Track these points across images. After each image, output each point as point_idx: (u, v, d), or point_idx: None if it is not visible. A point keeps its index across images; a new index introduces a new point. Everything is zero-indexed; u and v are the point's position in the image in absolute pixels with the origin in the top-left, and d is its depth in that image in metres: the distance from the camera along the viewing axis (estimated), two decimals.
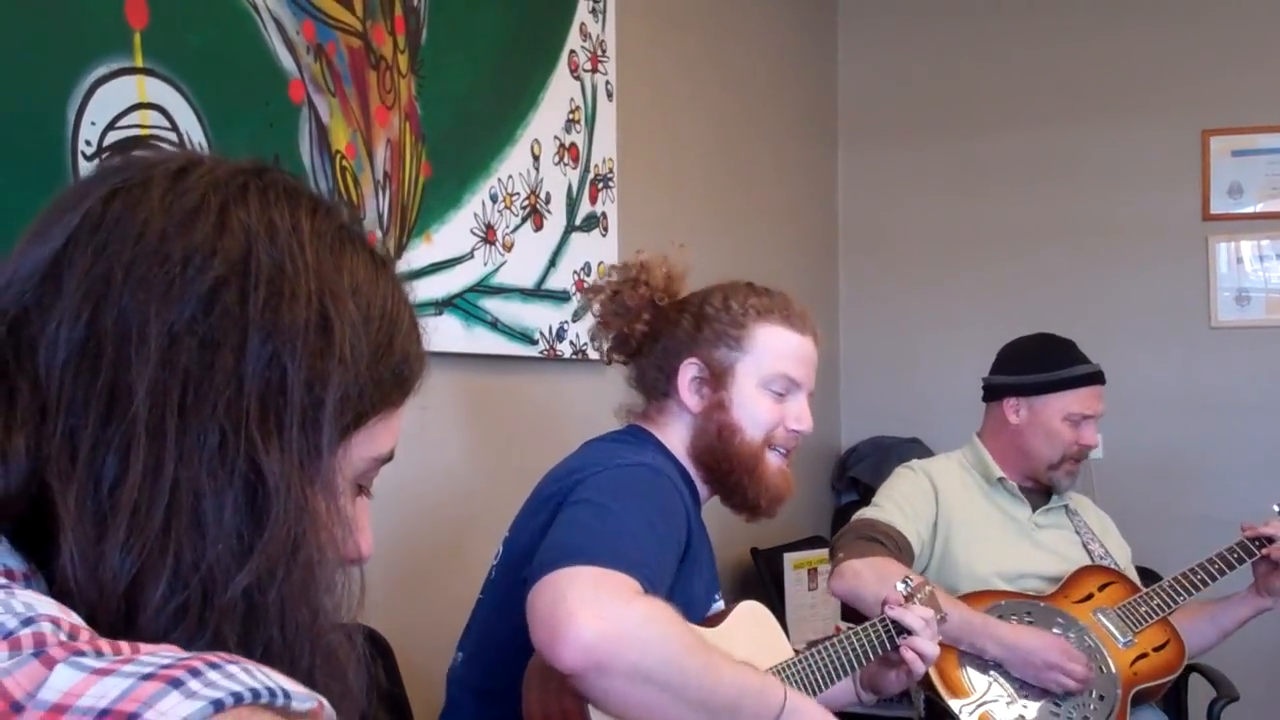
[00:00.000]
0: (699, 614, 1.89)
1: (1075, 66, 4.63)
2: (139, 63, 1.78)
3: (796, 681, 1.96)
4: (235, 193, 0.80)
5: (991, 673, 2.69)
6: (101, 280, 0.74)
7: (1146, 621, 2.82)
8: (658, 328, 2.01)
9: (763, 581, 3.89)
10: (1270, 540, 2.78)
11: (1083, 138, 4.61)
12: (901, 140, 4.88)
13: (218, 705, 0.58)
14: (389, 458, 0.89)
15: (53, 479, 0.72)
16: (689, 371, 1.97)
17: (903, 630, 2.08)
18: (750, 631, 1.96)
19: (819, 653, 2.02)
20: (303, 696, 0.63)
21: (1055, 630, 2.76)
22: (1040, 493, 3.04)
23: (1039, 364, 3.01)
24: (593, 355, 2.70)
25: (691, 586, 1.87)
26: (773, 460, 2.01)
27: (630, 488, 1.74)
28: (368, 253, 0.87)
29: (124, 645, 0.62)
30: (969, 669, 2.69)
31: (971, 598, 2.79)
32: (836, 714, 2.21)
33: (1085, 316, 4.39)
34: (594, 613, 1.49)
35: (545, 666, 1.54)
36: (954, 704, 2.65)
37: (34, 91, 1.64)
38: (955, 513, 2.94)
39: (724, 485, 2.00)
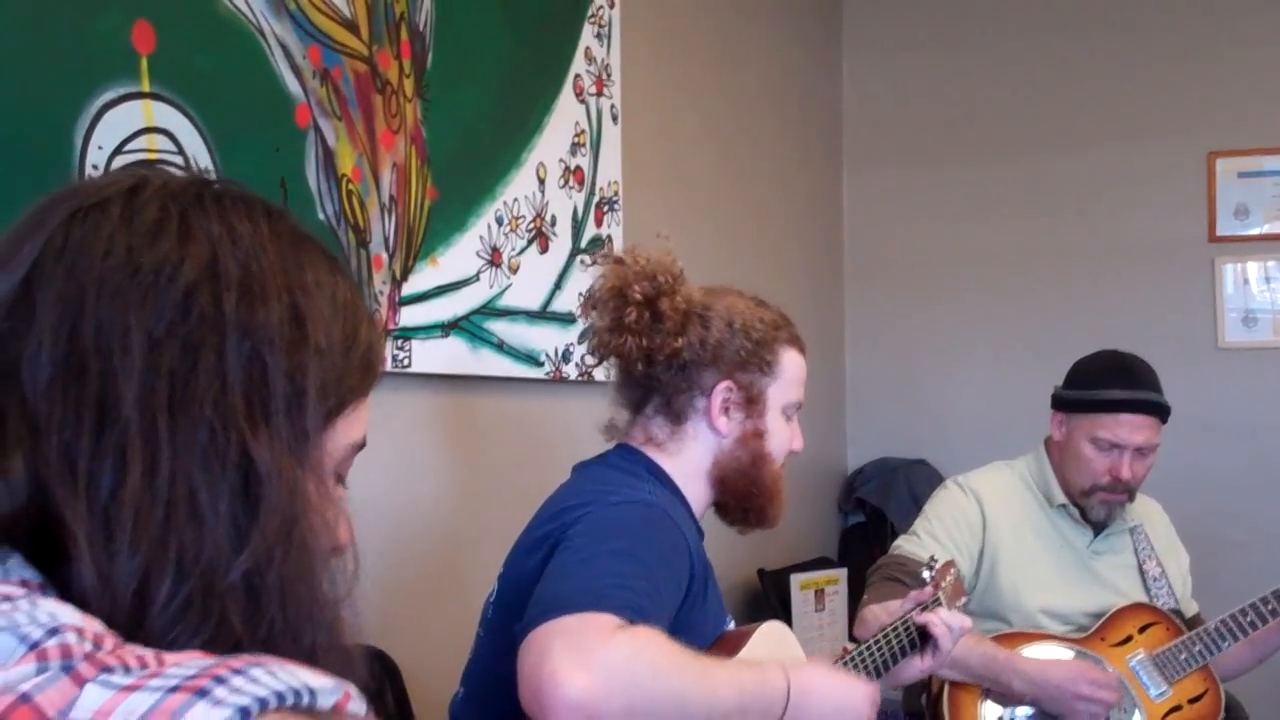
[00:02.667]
0: (708, 641, 1.87)
1: (1081, 89, 4.64)
2: (146, 87, 1.79)
3: None
4: (192, 202, 0.82)
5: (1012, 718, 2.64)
6: (75, 299, 0.76)
7: (1185, 670, 2.72)
8: (690, 340, 1.86)
9: (770, 602, 3.88)
10: None
11: (1088, 160, 4.61)
12: (907, 163, 4.89)
13: (244, 712, 0.59)
14: (363, 445, 0.91)
15: (57, 492, 0.74)
16: (722, 395, 1.88)
17: (927, 636, 2.09)
18: (773, 653, 1.94)
19: (846, 666, 2.01)
20: (328, 690, 0.64)
21: None
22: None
23: (1082, 380, 2.85)
24: (599, 377, 2.68)
25: (704, 619, 1.83)
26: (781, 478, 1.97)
27: (623, 528, 1.68)
28: (320, 252, 0.89)
29: (150, 657, 0.64)
30: (987, 716, 2.65)
31: (1003, 640, 2.72)
32: None
33: (1092, 339, 4.36)
34: (575, 666, 1.44)
35: None
36: None
37: (42, 116, 1.66)
38: (1004, 541, 2.82)
39: (741, 507, 1.95)
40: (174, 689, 0.59)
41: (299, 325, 0.81)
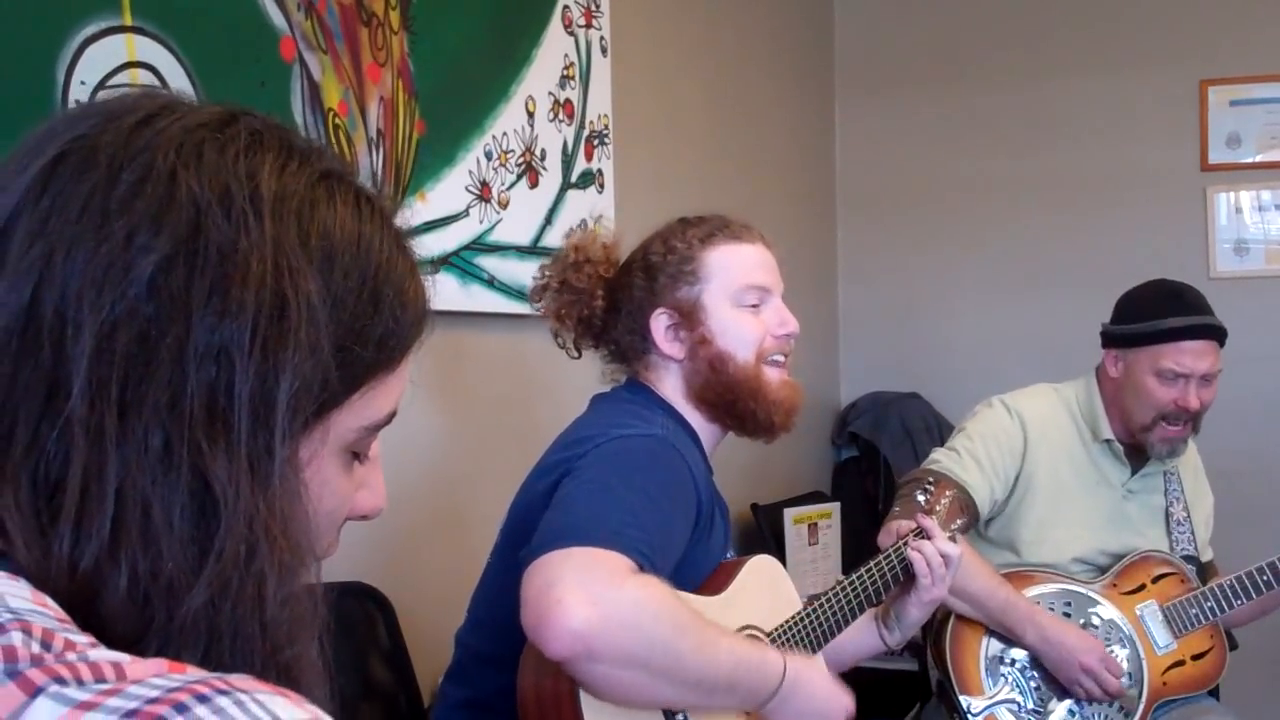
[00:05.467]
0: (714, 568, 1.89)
1: (1072, 17, 4.59)
2: (128, 20, 1.77)
3: (810, 632, 1.96)
4: (189, 154, 0.72)
5: (1010, 675, 2.63)
6: (42, 259, 0.68)
7: (1195, 625, 2.68)
8: (614, 298, 1.96)
9: (763, 537, 3.89)
10: None
11: (1080, 89, 4.58)
12: (899, 94, 4.85)
13: None
14: (388, 421, 0.83)
15: None
16: (660, 323, 1.92)
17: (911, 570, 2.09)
18: (761, 587, 1.95)
19: (831, 599, 2.02)
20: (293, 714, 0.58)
21: (1092, 621, 2.67)
22: (1142, 453, 2.79)
23: (1137, 313, 2.74)
24: None
25: (707, 553, 1.86)
26: (772, 374, 1.94)
27: (633, 461, 1.71)
28: (351, 203, 0.79)
29: (108, 668, 0.58)
30: (987, 665, 2.63)
31: (1015, 578, 2.68)
32: (857, 668, 2.21)
33: (1084, 269, 4.39)
34: (582, 599, 1.46)
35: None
36: (964, 699, 2.59)
37: (23, 51, 1.63)
38: (1041, 469, 2.75)
39: (734, 416, 1.94)
40: (130, 713, 0.54)
41: (281, 318, 0.71)
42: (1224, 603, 2.68)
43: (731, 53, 4.03)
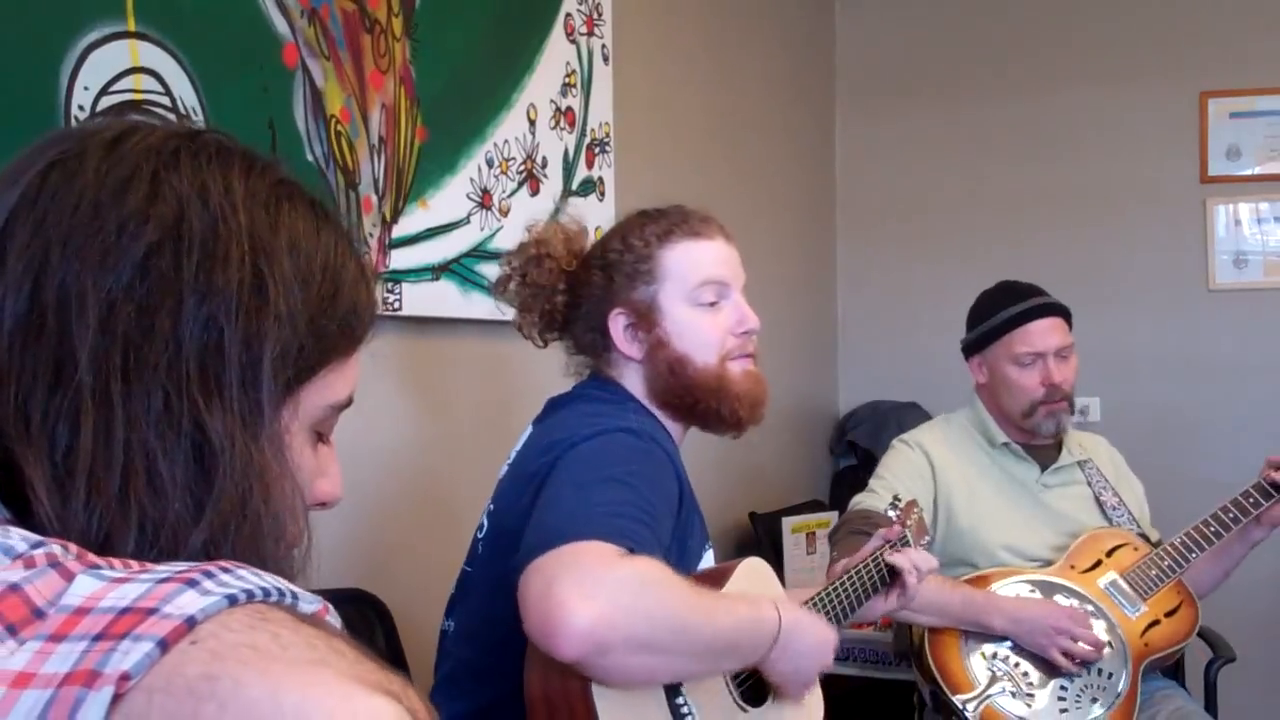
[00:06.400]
0: (693, 565, 1.89)
1: (1073, 30, 4.60)
2: (132, 27, 1.77)
3: None
4: (167, 159, 0.82)
5: (995, 664, 2.67)
6: (40, 254, 0.77)
7: (1158, 585, 2.75)
8: (575, 293, 1.94)
9: (760, 546, 3.89)
10: None
11: (1081, 101, 4.59)
12: (899, 105, 4.86)
13: (231, 599, 0.61)
14: (346, 404, 0.91)
15: (13, 445, 0.75)
16: (618, 323, 1.90)
17: (894, 572, 2.15)
18: (754, 588, 1.96)
19: (816, 606, 2.03)
20: (309, 599, 0.67)
21: (1059, 603, 2.73)
22: (1050, 448, 2.94)
23: (981, 316, 2.94)
24: None
25: (688, 539, 1.86)
26: (735, 369, 1.92)
27: (609, 457, 1.70)
28: (308, 206, 0.88)
29: (134, 563, 0.66)
30: (972, 662, 2.67)
31: (975, 580, 2.76)
32: (858, 678, 2.24)
33: (1084, 280, 4.38)
34: (583, 596, 1.46)
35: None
36: (957, 699, 2.63)
37: (26, 56, 1.64)
38: (955, 486, 2.87)
39: (697, 415, 1.93)
40: (164, 579, 0.62)
41: (260, 292, 0.81)
42: (1180, 558, 2.77)
43: (733, 63, 4.04)
